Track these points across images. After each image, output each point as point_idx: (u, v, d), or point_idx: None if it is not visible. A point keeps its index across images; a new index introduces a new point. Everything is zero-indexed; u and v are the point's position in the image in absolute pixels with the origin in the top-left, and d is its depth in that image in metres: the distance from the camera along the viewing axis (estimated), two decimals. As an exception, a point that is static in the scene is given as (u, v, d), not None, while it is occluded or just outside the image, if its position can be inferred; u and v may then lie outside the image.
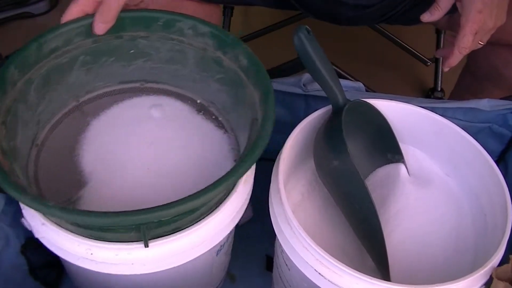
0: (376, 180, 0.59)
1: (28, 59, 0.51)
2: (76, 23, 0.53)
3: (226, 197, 0.50)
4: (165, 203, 0.41)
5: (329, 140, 0.54)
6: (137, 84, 0.60)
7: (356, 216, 0.54)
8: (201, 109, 0.58)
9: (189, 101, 0.59)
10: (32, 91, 0.52)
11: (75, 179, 0.52)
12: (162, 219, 0.44)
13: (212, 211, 0.49)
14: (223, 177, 0.44)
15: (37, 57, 0.52)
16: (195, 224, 0.48)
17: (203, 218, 0.49)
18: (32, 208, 0.43)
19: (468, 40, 0.62)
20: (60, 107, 0.57)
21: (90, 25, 0.53)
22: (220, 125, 0.57)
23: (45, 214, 0.47)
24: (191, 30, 0.55)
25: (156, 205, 0.41)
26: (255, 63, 0.52)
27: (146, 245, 0.46)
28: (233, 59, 0.54)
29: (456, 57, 0.63)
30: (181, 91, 0.60)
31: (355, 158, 0.52)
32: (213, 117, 0.58)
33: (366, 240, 0.54)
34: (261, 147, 0.46)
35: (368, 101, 0.58)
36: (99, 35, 0.54)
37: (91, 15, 0.53)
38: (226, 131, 0.57)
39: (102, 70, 0.57)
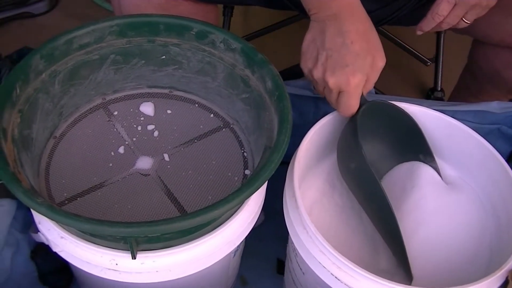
0: (396, 175, 0.59)
1: (56, 51, 0.51)
2: (110, 22, 0.54)
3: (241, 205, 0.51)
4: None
5: (347, 141, 0.55)
6: (166, 91, 0.59)
7: (376, 214, 0.55)
8: (225, 126, 0.57)
9: (212, 114, 0.59)
10: (57, 83, 0.52)
11: (87, 178, 0.51)
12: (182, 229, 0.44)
13: (231, 217, 0.50)
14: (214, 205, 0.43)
15: (66, 51, 0.52)
16: (215, 230, 0.48)
17: (224, 223, 0.49)
18: (21, 200, 0.41)
19: (443, 8, 0.59)
20: (84, 102, 0.57)
21: (124, 25, 0.54)
22: (240, 145, 0.56)
23: (35, 210, 0.42)
24: (223, 44, 0.54)
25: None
26: (279, 86, 0.50)
27: (133, 257, 0.45)
28: (260, 79, 0.53)
29: (428, 22, 0.61)
30: (209, 104, 0.59)
31: (374, 155, 0.52)
32: (235, 135, 0.57)
33: (387, 236, 0.54)
34: (264, 178, 0.44)
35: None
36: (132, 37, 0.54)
37: (125, 16, 0.54)
38: (244, 151, 0.56)
39: (132, 72, 0.57)
